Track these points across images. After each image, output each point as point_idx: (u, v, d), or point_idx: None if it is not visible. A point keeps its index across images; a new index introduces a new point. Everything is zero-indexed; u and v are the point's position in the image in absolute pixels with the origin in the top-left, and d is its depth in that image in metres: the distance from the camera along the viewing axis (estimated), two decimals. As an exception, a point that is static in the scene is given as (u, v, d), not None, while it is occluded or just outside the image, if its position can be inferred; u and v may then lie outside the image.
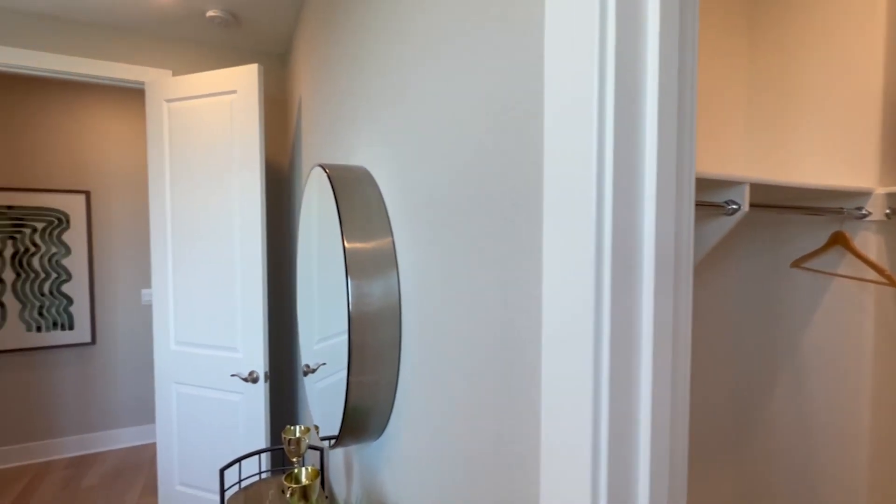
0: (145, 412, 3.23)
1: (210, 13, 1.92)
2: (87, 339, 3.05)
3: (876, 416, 1.13)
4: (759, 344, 1.36)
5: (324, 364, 1.14)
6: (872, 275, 1.12)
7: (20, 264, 2.89)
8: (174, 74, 2.18)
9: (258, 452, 1.43)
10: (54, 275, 2.96)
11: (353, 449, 1.25)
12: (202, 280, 1.89)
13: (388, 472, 0.98)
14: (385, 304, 0.86)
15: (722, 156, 1.33)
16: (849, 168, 1.15)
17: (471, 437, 0.62)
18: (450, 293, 0.67)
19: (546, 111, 0.43)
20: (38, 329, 2.93)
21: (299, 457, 1.29)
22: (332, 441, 0.97)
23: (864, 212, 1.11)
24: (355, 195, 0.92)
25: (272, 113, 2.45)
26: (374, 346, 0.85)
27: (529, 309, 0.49)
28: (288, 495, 1.03)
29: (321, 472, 1.19)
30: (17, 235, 2.87)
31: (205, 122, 1.84)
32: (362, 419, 0.91)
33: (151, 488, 2.63)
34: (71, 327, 3.01)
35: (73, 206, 2.99)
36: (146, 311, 3.21)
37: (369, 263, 0.86)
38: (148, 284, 3.20)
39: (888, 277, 1.05)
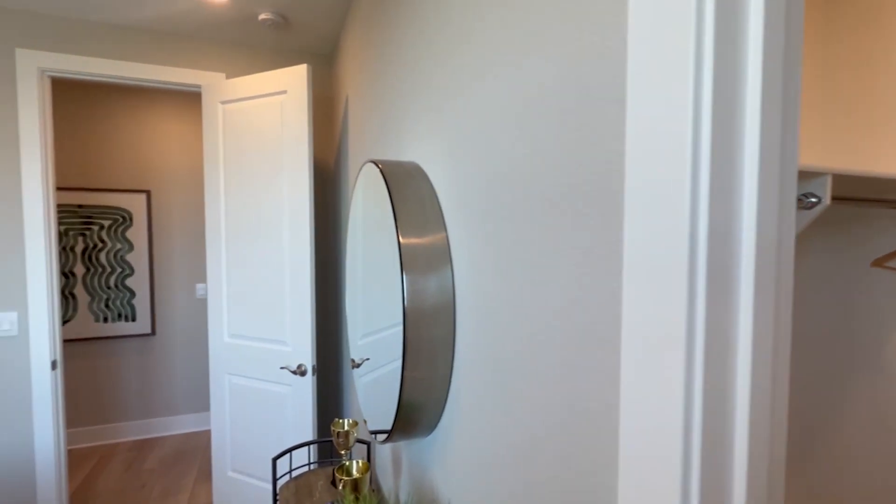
0: (201, 400, 3.41)
1: (262, 16, 1.99)
2: (148, 330, 3.24)
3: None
4: (832, 349, 1.26)
5: (367, 359, 1.15)
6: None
7: (89, 259, 3.10)
8: (227, 77, 2.27)
9: (308, 444, 1.47)
10: (119, 269, 3.16)
11: (402, 445, 1.25)
12: (253, 275, 1.95)
13: (438, 471, 0.97)
14: (439, 301, 0.85)
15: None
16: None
17: (530, 448, 0.60)
18: (509, 292, 0.66)
19: (629, 96, 0.40)
20: (105, 320, 3.15)
21: (347, 450, 1.32)
22: (384, 436, 0.97)
23: (962, 206, 1.00)
24: (408, 190, 0.92)
25: (319, 112, 2.50)
26: (428, 341, 0.84)
27: (602, 308, 0.47)
28: (340, 487, 1.05)
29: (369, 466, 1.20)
30: (87, 232, 3.09)
31: (257, 123, 1.90)
32: (415, 415, 0.91)
33: (206, 473, 2.77)
34: (133, 319, 3.21)
35: (136, 204, 3.19)
36: (200, 305, 3.37)
37: (423, 259, 0.85)
38: (201, 279, 3.37)
39: None
